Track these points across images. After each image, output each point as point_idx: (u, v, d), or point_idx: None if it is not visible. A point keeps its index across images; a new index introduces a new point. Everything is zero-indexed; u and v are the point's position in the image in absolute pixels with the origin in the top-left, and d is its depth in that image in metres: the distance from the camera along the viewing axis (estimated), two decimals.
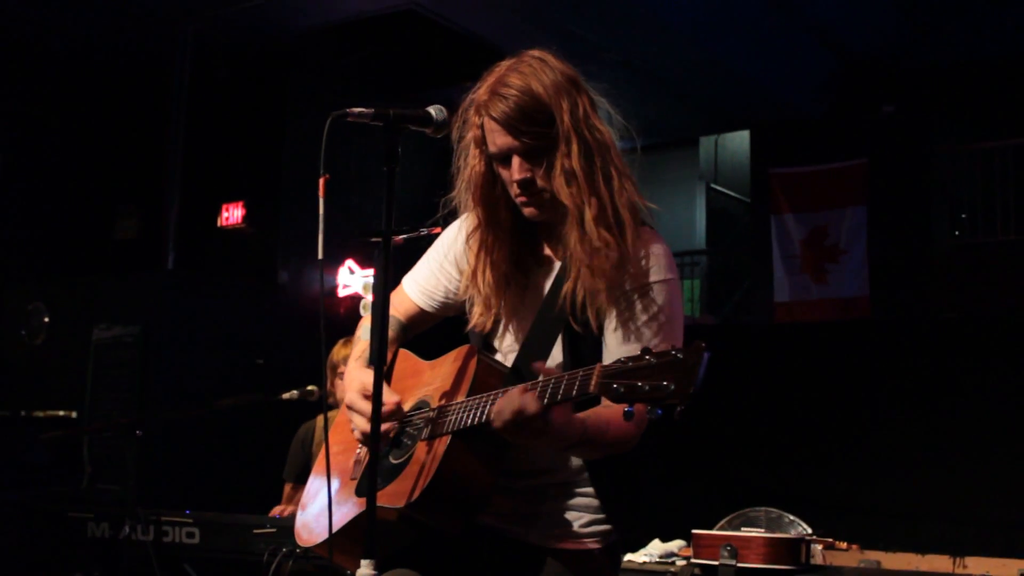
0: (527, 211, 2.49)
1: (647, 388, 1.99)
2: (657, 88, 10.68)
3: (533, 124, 2.41)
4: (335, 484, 2.65)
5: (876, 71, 11.04)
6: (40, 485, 6.74)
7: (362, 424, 2.51)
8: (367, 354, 2.62)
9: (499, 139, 2.44)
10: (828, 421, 8.28)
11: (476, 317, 2.58)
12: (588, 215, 2.41)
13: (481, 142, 2.50)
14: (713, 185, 14.79)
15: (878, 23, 10.39)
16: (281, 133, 9.79)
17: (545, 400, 2.15)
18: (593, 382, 2.08)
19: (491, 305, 2.56)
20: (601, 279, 2.39)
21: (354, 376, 2.59)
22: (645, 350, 2.04)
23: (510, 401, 2.18)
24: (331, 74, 9.86)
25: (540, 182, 2.44)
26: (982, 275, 10.24)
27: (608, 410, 2.30)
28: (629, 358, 2.05)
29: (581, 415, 2.28)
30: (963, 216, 11.36)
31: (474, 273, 2.57)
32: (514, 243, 2.56)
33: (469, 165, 2.54)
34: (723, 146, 14.90)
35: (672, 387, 1.96)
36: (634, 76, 10.14)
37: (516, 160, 2.44)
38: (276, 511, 5.34)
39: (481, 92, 2.47)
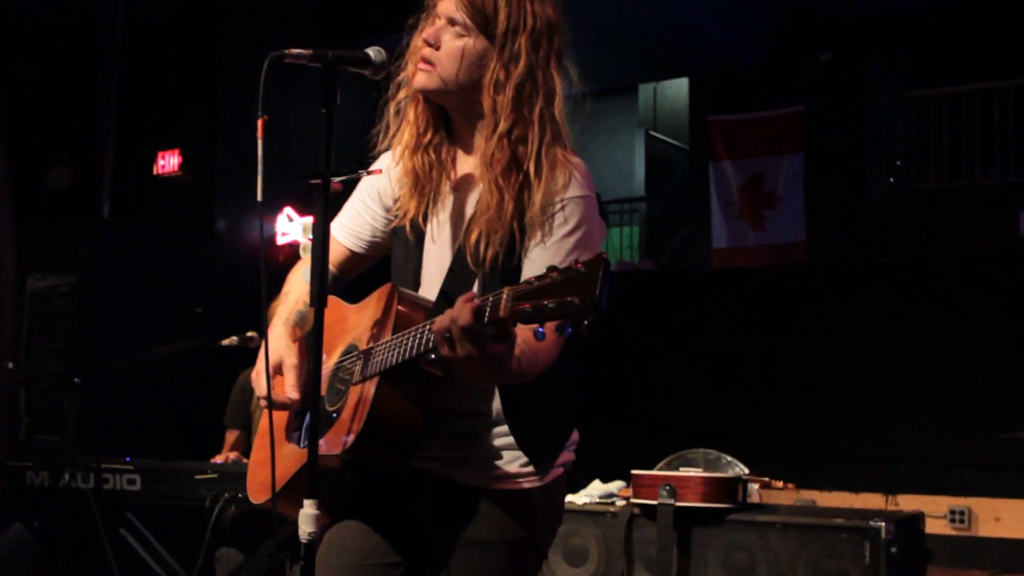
0: (417, 78, 2.45)
1: (552, 306, 1.93)
2: (596, 35, 10.65)
3: (482, 10, 2.39)
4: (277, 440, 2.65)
5: (813, 20, 11.10)
6: None
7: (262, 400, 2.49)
8: (292, 315, 2.60)
9: (442, 3, 2.43)
10: (765, 364, 8.40)
11: (402, 201, 2.53)
12: (502, 125, 2.38)
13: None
14: (652, 132, 14.81)
15: None
16: (217, 80, 9.64)
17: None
18: (502, 306, 2.00)
19: (417, 192, 2.51)
20: (507, 203, 2.34)
21: (271, 346, 2.53)
22: (550, 267, 1.97)
23: (448, 313, 2.10)
24: (268, 20, 9.73)
25: (445, 59, 2.41)
26: (916, 221, 10.38)
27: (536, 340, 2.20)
28: (536, 277, 1.98)
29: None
30: (898, 163, 11.49)
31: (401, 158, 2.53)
32: (438, 133, 2.52)
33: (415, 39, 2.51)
34: (662, 94, 14.92)
35: (576, 301, 1.91)
36: (573, 22, 10.09)
37: (439, 23, 2.42)
38: (218, 459, 5.33)
39: None
